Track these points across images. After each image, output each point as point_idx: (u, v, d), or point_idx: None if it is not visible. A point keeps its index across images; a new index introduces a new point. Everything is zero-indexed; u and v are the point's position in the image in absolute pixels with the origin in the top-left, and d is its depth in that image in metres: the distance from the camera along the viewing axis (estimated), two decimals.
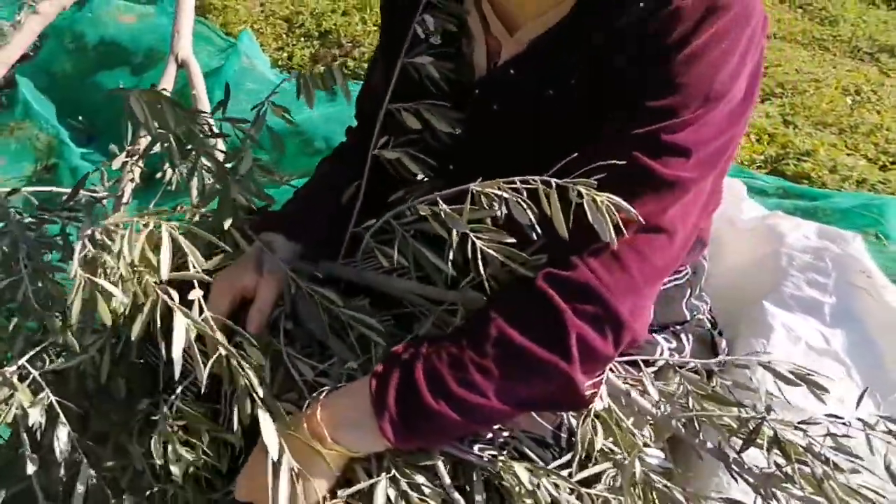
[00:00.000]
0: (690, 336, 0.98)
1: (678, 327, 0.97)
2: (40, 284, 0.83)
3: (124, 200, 1.18)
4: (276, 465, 0.68)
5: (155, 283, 0.67)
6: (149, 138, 1.02)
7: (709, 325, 1.03)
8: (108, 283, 0.62)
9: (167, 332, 0.67)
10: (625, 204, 0.67)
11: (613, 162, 0.68)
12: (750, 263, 1.22)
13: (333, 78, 0.75)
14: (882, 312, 1.06)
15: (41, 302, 0.78)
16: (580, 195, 0.66)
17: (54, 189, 1.02)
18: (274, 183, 1.55)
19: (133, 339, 0.69)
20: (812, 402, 0.86)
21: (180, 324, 0.65)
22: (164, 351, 0.66)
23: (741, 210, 1.36)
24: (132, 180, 1.24)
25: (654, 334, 0.95)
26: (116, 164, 1.18)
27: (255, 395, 0.70)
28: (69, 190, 1.01)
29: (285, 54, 2.31)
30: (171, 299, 0.66)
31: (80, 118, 2.07)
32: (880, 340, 1.04)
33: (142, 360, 0.98)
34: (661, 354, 0.91)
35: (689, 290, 0.98)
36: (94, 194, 1.08)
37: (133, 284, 0.66)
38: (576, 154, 0.70)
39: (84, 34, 2.10)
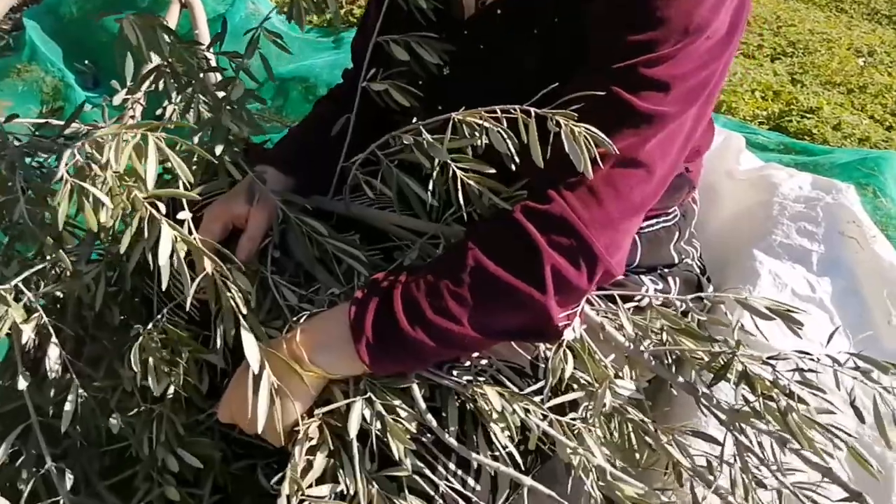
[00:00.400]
0: (678, 279, 0.99)
1: (665, 270, 0.98)
2: (37, 210, 0.85)
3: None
4: (257, 382, 0.70)
5: (143, 197, 0.69)
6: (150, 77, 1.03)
7: (697, 271, 1.03)
8: (97, 190, 0.64)
9: (156, 247, 0.69)
10: (602, 135, 0.67)
11: (592, 93, 0.68)
12: (742, 212, 1.22)
13: (326, 1, 0.75)
14: (869, 262, 1.07)
15: (37, 224, 0.80)
16: (558, 125, 0.66)
17: (53, 121, 1.03)
18: (277, 126, 1.56)
19: (122, 251, 0.71)
20: (791, 342, 0.87)
21: (166, 234, 0.67)
22: (151, 262, 0.68)
23: (739, 162, 1.36)
24: (132, 117, 1.25)
25: (640, 275, 0.96)
26: (118, 101, 1.18)
27: (238, 314, 0.72)
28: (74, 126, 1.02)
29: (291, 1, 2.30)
30: (159, 212, 0.68)
31: (87, 62, 2.07)
32: (866, 289, 1.05)
33: (137, 299, 1.02)
34: (643, 297, 0.92)
35: (677, 234, 0.99)
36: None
37: (122, 199, 0.67)
38: (556, 84, 0.70)
39: None
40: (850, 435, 0.76)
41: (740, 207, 1.26)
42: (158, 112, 1.21)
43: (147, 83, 1.03)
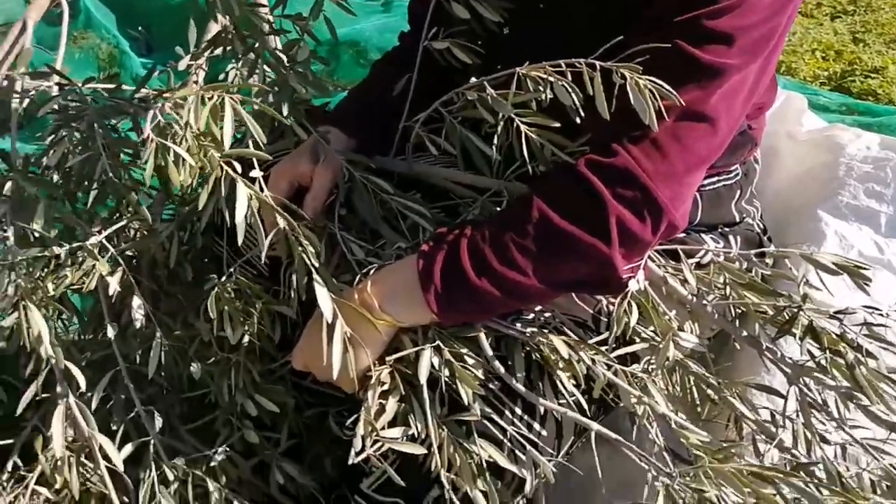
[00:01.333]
0: (739, 238, 0.98)
1: (726, 228, 0.98)
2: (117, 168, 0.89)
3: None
4: (331, 331, 0.73)
5: (219, 156, 0.72)
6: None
7: (758, 230, 1.03)
8: (180, 149, 0.67)
9: (231, 204, 0.72)
10: (667, 87, 0.68)
11: (656, 45, 0.68)
12: (805, 173, 1.20)
13: None
14: None
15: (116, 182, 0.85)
16: (623, 77, 0.67)
17: (124, 87, 1.07)
18: (328, 90, 1.58)
19: (199, 209, 0.74)
20: (858, 300, 0.87)
21: (242, 193, 0.70)
22: (227, 219, 0.71)
23: (801, 123, 1.33)
24: (195, 82, 1.28)
25: (701, 233, 0.96)
26: (182, 66, 1.22)
27: (311, 266, 0.74)
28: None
29: None
30: (234, 171, 0.71)
31: (140, 28, 2.12)
32: None
33: (205, 259, 1.06)
34: (706, 253, 0.93)
35: (738, 192, 0.98)
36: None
37: (199, 158, 0.71)
38: (620, 38, 0.70)
39: None
40: None
41: (802, 168, 1.24)
42: (221, 77, 1.24)
43: (213, 47, 1.06)
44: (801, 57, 1.88)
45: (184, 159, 0.68)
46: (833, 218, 1.08)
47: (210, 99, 0.69)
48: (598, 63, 0.68)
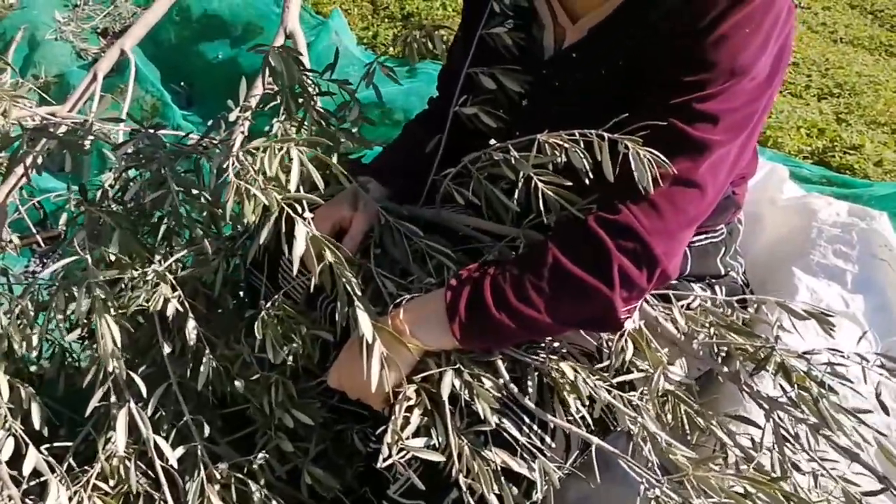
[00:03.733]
0: (723, 288, 1.11)
1: (713, 280, 1.11)
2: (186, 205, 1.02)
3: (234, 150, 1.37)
4: (370, 350, 0.85)
5: (281, 198, 0.84)
6: (255, 98, 1.21)
7: (741, 282, 1.15)
8: (255, 189, 0.80)
9: (289, 239, 0.84)
10: (663, 158, 0.81)
11: (655, 123, 0.82)
12: (784, 235, 1.34)
13: (434, 42, 0.91)
14: None
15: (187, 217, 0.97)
16: (627, 147, 0.80)
17: (192, 135, 1.21)
18: (371, 146, 1.75)
19: (261, 243, 0.86)
20: (824, 344, 0.98)
21: (301, 231, 0.83)
22: (286, 251, 0.83)
23: (782, 191, 1.48)
24: (242, 133, 1.43)
25: (690, 283, 1.08)
26: (232, 117, 1.37)
27: (353, 294, 0.86)
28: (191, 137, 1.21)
29: (370, 33, 2.51)
30: (295, 212, 0.83)
31: (182, 83, 2.30)
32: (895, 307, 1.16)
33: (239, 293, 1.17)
34: (695, 298, 1.05)
35: (724, 249, 1.12)
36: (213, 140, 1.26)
37: (264, 197, 0.83)
38: (625, 115, 0.84)
39: (189, 7, 2.32)
40: (880, 433, 0.87)
41: (782, 231, 1.37)
42: (266, 129, 1.39)
43: (263, 105, 1.21)
44: (787, 133, 2.05)
45: (256, 197, 0.80)
46: (805, 275, 1.21)
47: (280, 150, 0.82)
48: (606, 134, 0.82)
